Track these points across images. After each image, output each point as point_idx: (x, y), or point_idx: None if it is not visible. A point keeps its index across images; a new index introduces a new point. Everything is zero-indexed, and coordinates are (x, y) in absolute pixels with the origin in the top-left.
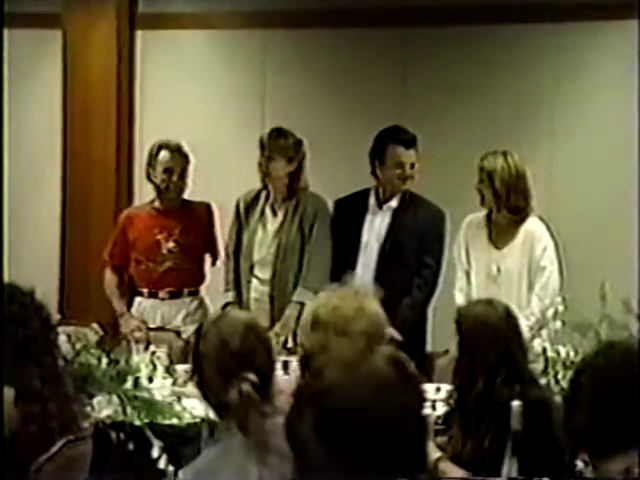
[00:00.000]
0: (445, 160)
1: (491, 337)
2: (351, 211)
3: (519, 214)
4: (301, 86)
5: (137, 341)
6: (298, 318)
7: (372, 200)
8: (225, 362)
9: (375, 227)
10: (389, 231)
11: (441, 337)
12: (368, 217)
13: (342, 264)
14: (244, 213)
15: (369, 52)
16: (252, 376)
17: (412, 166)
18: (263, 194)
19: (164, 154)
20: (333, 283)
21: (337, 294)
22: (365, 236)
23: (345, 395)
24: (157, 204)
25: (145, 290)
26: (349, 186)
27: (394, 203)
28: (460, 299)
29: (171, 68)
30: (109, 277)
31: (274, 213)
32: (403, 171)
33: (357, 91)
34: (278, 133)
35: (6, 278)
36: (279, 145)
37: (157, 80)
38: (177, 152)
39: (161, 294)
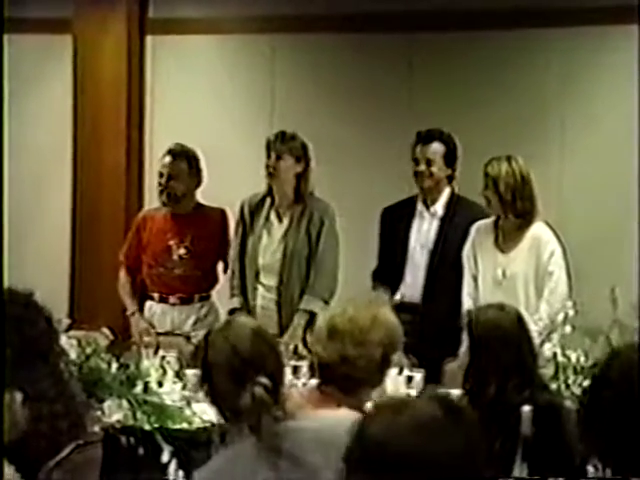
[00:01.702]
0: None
1: (503, 342)
2: (399, 217)
3: (525, 218)
4: (310, 91)
5: (146, 345)
6: (306, 326)
7: (419, 206)
8: (236, 367)
9: (422, 233)
10: (437, 236)
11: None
12: (415, 222)
13: (391, 271)
14: (249, 217)
15: (377, 57)
16: (264, 380)
17: (428, 163)
18: (268, 200)
19: (165, 159)
20: (384, 290)
21: (352, 304)
22: (413, 242)
23: (397, 452)
24: (172, 208)
25: (156, 295)
26: (359, 192)
27: (440, 207)
28: (468, 303)
29: (181, 73)
30: (123, 278)
31: (279, 219)
32: (418, 167)
33: (365, 96)
34: (285, 134)
35: (17, 284)
36: (287, 145)
37: (167, 85)
38: (178, 157)
39: (172, 299)
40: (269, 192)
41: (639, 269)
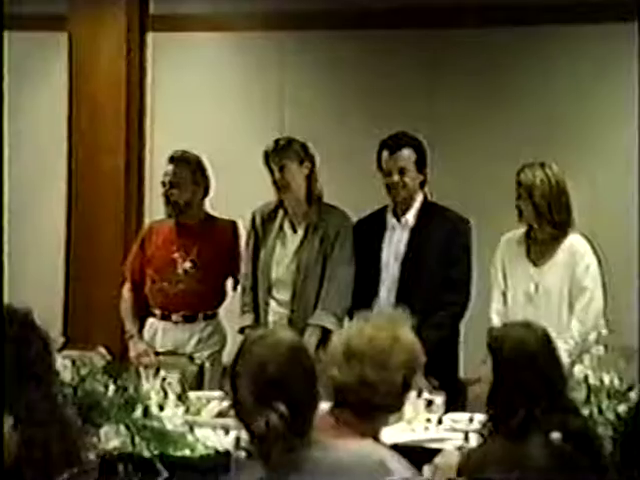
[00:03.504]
0: (476, 173)
1: (529, 363)
2: (370, 230)
3: (561, 229)
4: (323, 91)
5: (146, 366)
6: (319, 344)
7: (389, 217)
8: (259, 387)
9: (393, 245)
10: (408, 248)
11: (476, 363)
12: (387, 235)
13: (364, 287)
14: (261, 228)
15: (394, 55)
16: (283, 408)
17: (402, 172)
18: (281, 210)
19: (168, 167)
20: (358, 307)
21: (370, 323)
22: (385, 255)
23: None
24: (177, 219)
25: (158, 311)
26: (374, 198)
27: (411, 217)
28: (496, 321)
29: (185, 73)
30: (126, 294)
31: (294, 229)
32: (390, 178)
33: (383, 96)
34: (279, 143)
35: (7, 298)
36: (286, 153)
37: (169, 86)
38: (180, 163)
39: (174, 317)
40: (281, 202)
41: None
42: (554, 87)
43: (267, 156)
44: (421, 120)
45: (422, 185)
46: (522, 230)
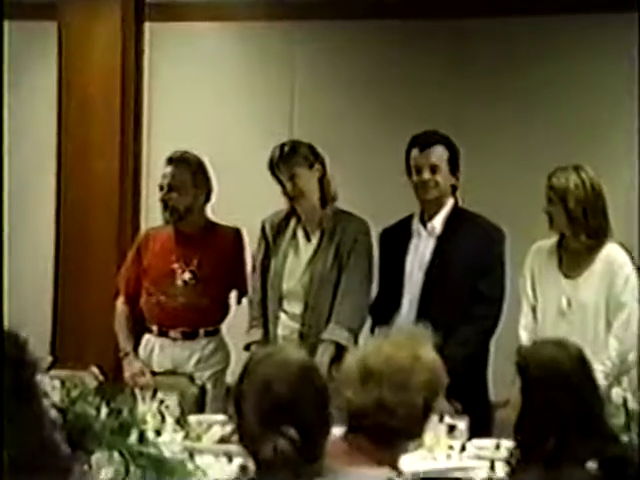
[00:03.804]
0: (501, 176)
1: (563, 385)
2: (395, 239)
3: (597, 237)
4: (336, 87)
5: (142, 387)
6: (332, 361)
7: (415, 223)
8: (266, 410)
9: (418, 253)
10: (433, 256)
11: (505, 384)
12: (412, 243)
13: (385, 300)
14: (272, 237)
15: (415, 48)
16: (293, 432)
17: (433, 170)
18: (293, 218)
19: (166, 169)
20: (378, 322)
21: (388, 341)
22: (408, 265)
23: None
24: (176, 226)
25: (155, 327)
26: (394, 204)
27: (438, 223)
28: (525, 339)
29: (185, 66)
30: (120, 308)
31: (307, 238)
32: (420, 176)
33: (398, 91)
34: (284, 149)
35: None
36: (294, 159)
37: (168, 81)
38: (180, 165)
39: (172, 333)
40: (293, 209)
41: None
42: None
43: (273, 165)
44: (441, 115)
45: (453, 190)
46: (554, 239)
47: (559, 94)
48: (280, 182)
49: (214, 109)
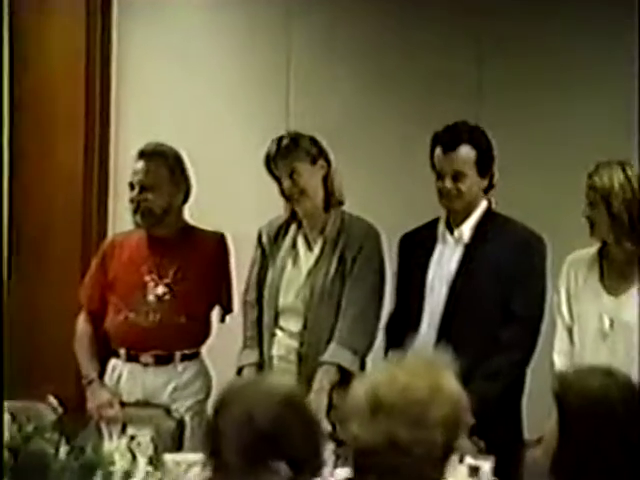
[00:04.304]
0: (532, 175)
1: (607, 419)
2: (417, 246)
3: None
4: (337, 65)
5: (109, 421)
6: (332, 387)
7: (441, 228)
8: (250, 444)
9: (443, 264)
10: (459, 268)
11: (538, 418)
12: (436, 251)
13: (401, 317)
14: (269, 247)
15: (434, 25)
16: (284, 467)
17: (456, 177)
18: (293, 224)
19: (138, 164)
20: (392, 344)
21: (403, 367)
22: (430, 277)
23: None
24: (149, 231)
25: (123, 350)
26: (399, 207)
27: (467, 229)
28: (561, 364)
29: (160, 43)
30: (82, 327)
31: (309, 246)
32: (442, 183)
33: (415, 79)
34: (282, 141)
35: None
36: (294, 150)
37: (141, 60)
38: (155, 160)
39: (144, 358)
40: (293, 215)
41: None
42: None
43: (269, 161)
44: (462, 98)
45: (486, 191)
46: (594, 248)
47: (605, 73)
48: (278, 181)
49: (195, 93)
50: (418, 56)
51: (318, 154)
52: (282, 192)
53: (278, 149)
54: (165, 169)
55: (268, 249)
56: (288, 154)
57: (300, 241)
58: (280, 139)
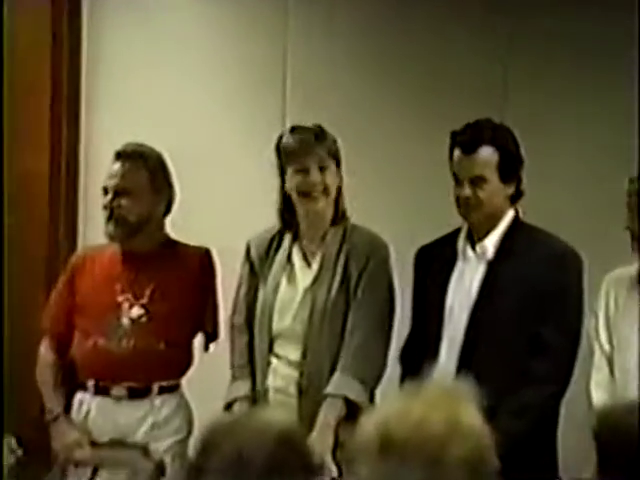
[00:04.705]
0: (564, 181)
1: None
2: (435, 261)
3: None
4: (338, 64)
5: (77, 463)
6: (338, 423)
7: (461, 243)
8: None
9: (464, 284)
10: (482, 288)
11: (575, 459)
12: (456, 269)
13: (416, 344)
14: (259, 262)
15: (447, 9)
16: None
17: (474, 181)
18: (287, 236)
19: (114, 166)
20: (406, 374)
21: (417, 398)
22: (450, 298)
23: None
24: (124, 244)
25: (91, 382)
26: (410, 215)
27: (491, 243)
28: (599, 398)
29: (139, 30)
30: (45, 355)
31: (307, 262)
32: (460, 189)
33: (428, 73)
34: (310, 128)
35: None
36: (324, 143)
37: (116, 50)
38: (133, 162)
39: (116, 390)
40: (286, 224)
41: None
42: None
43: (301, 148)
44: (481, 101)
45: (513, 199)
46: (637, 265)
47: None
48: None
49: (178, 90)
50: (434, 47)
51: (339, 156)
52: (302, 192)
53: (316, 136)
54: (145, 173)
55: (258, 265)
56: (319, 144)
57: (296, 255)
58: (302, 128)
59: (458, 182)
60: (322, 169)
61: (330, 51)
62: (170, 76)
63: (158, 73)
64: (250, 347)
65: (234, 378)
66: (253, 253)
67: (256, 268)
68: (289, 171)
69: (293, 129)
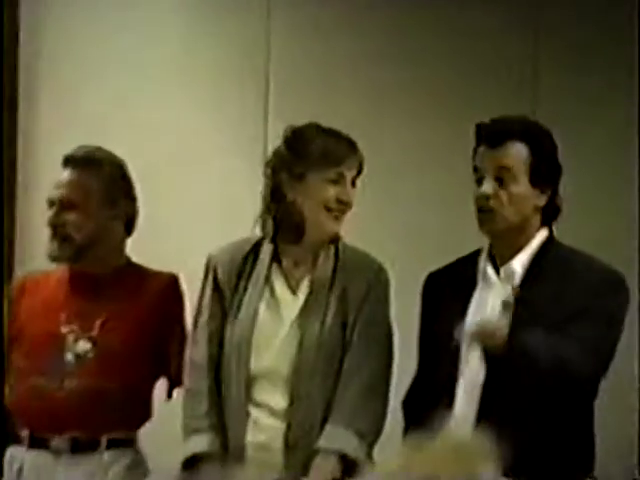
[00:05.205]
0: (604, 190)
1: None
2: (448, 290)
3: None
4: (332, 56)
5: None
6: None
7: (482, 264)
8: None
9: (485, 313)
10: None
11: None
12: (475, 298)
13: (428, 388)
14: (228, 285)
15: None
16: None
17: (500, 176)
18: (265, 254)
19: (63, 174)
20: (412, 424)
21: (424, 453)
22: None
23: None
24: (71, 266)
25: (25, 433)
26: (407, 233)
27: (518, 265)
28: None
29: (91, 19)
30: None
31: (290, 287)
32: (481, 189)
33: (441, 64)
34: (338, 134)
35: None
36: (356, 154)
37: (64, 41)
38: (84, 169)
39: (56, 443)
40: (270, 238)
41: None
42: None
43: (335, 150)
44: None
45: (547, 217)
46: None
47: None
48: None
49: (139, 87)
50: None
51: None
52: (339, 201)
53: (350, 144)
54: (98, 182)
55: (227, 287)
56: (357, 151)
57: (278, 281)
58: (340, 133)
59: (480, 180)
60: (354, 181)
61: (316, 48)
62: (129, 70)
63: (116, 65)
64: (216, 390)
65: (191, 431)
66: (220, 272)
67: (224, 291)
68: (317, 179)
69: (333, 138)
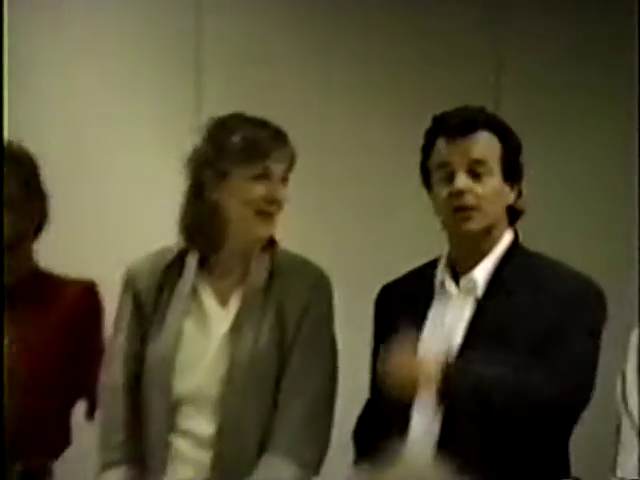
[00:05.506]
0: (569, 197)
1: None
2: (403, 303)
3: None
4: (272, 47)
5: None
6: None
7: (440, 275)
8: None
9: (443, 329)
10: (467, 336)
11: None
12: (433, 311)
13: (380, 412)
14: (148, 299)
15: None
16: None
17: (473, 169)
18: (192, 259)
19: None
20: (362, 451)
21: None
22: (423, 350)
23: None
24: None
25: None
26: (354, 244)
27: (480, 276)
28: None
29: (49, 30)
30: None
31: (220, 299)
32: (451, 185)
33: (389, 64)
34: (269, 126)
35: None
36: (285, 149)
37: (23, 50)
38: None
39: None
40: (193, 244)
41: None
42: None
43: (266, 146)
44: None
45: (513, 215)
46: None
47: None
48: (264, 178)
49: (67, 77)
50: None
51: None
52: (261, 214)
53: (273, 133)
54: (15, 181)
55: (147, 301)
56: (277, 148)
57: (205, 292)
58: (276, 129)
59: (449, 177)
60: (284, 178)
61: (252, 34)
62: (59, 62)
63: (63, 69)
64: (133, 418)
65: (105, 466)
66: (139, 285)
67: (144, 307)
68: (240, 176)
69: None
